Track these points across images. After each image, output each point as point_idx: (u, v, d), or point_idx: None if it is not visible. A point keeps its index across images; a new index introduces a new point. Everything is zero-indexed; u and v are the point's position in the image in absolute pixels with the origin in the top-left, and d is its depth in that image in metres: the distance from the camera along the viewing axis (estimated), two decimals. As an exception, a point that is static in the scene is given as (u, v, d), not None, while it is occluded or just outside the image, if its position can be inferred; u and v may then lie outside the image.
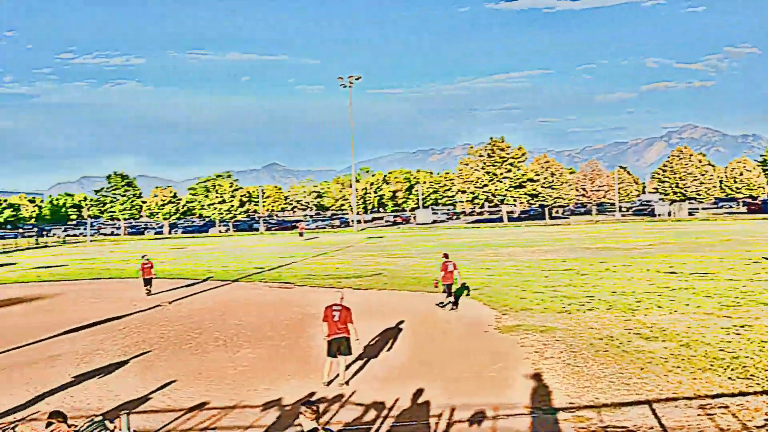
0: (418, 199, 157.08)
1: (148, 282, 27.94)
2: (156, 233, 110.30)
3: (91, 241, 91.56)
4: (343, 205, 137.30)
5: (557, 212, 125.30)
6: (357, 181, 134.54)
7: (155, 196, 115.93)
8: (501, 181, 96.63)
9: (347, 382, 13.69)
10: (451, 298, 22.08)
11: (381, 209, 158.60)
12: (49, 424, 6.01)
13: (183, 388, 13.83)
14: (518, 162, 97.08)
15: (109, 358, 16.75)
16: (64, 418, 6.21)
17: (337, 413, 11.86)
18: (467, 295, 24.70)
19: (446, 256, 22.07)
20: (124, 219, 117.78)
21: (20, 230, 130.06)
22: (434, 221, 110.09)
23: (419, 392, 12.90)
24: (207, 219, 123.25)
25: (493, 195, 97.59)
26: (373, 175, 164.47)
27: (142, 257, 29.12)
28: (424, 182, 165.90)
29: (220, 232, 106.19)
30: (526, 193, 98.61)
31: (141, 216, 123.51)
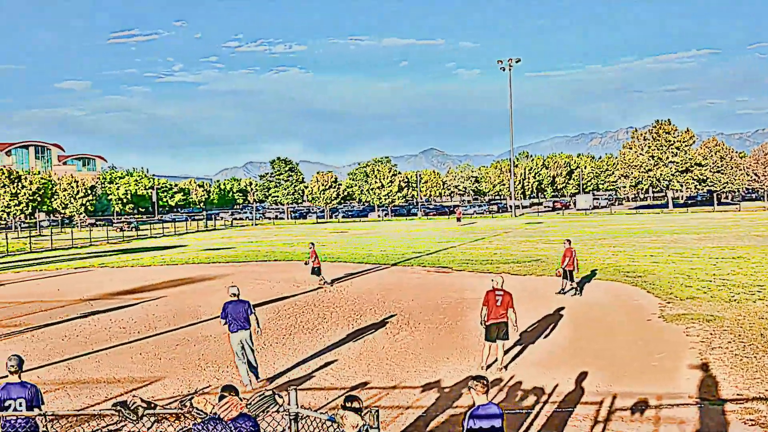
0: (578, 184, 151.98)
1: (317, 271, 25.99)
2: (318, 217, 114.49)
3: (255, 224, 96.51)
4: (500, 190, 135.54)
5: (726, 198, 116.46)
6: (515, 165, 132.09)
7: (317, 181, 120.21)
8: (666, 166, 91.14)
9: (506, 367, 13.40)
10: (574, 284, 21.83)
11: (540, 194, 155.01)
12: (221, 397, 6.00)
13: (345, 367, 13.99)
14: (685, 145, 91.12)
15: (274, 337, 17.25)
16: (236, 392, 6.19)
17: (496, 397, 11.56)
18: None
19: (569, 242, 22.59)
20: (288, 203, 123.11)
21: (190, 214, 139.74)
22: (594, 207, 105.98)
23: (579, 378, 12.40)
24: (366, 204, 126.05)
25: (658, 180, 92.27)
26: (532, 160, 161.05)
27: (310, 244, 27.67)
28: (585, 167, 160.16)
29: (378, 216, 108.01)
30: (693, 178, 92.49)
31: (303, 200, 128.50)
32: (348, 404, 5.43)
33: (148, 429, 10.00)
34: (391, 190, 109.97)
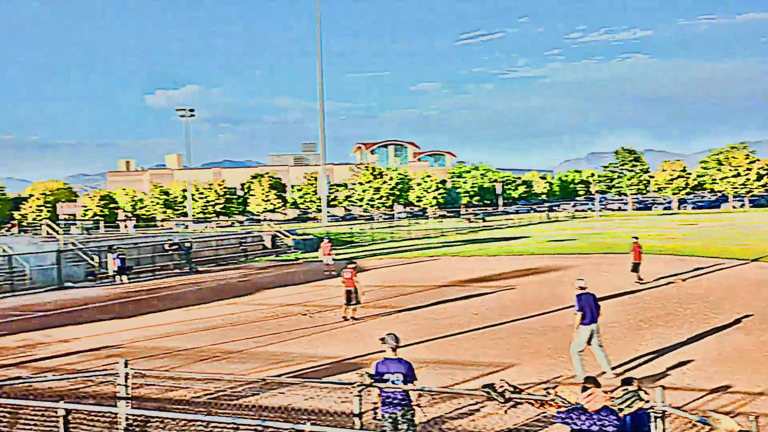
0: None
1: (635, 267, 25.24)
2: (664, 209, 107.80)
3: (599, 216, 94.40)
4: None
5: None
6: None
7: (663, 170, 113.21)
8: None
9: None
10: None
11: None
12: (585, 389, 6.31)
13: (701, 367, 13.39)
14: None
15: (621, 331, 17.01)
16: (597, 384, 6.45)
17: None
18: None
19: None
20: (632, 194, 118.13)
21: (532, 205, 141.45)
22: None
23: None
24: (719, 194, 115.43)
25: None
26: None
27: (634, 238, 26.64)
28: None
29: (733, 207, 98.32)
30: None
31: (647, 191, 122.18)
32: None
33: (506, 411, 10.79)
34: (747, 179, 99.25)
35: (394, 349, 8.98)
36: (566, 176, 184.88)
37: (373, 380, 8.24)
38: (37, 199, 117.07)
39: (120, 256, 34.08)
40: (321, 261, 34.63)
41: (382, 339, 9.13)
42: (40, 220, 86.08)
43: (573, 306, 13.32)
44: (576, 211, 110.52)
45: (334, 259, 34.27)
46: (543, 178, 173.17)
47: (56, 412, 6.58)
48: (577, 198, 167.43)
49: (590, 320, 13.00)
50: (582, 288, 13.37)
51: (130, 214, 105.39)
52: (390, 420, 8.47)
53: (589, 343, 13.06)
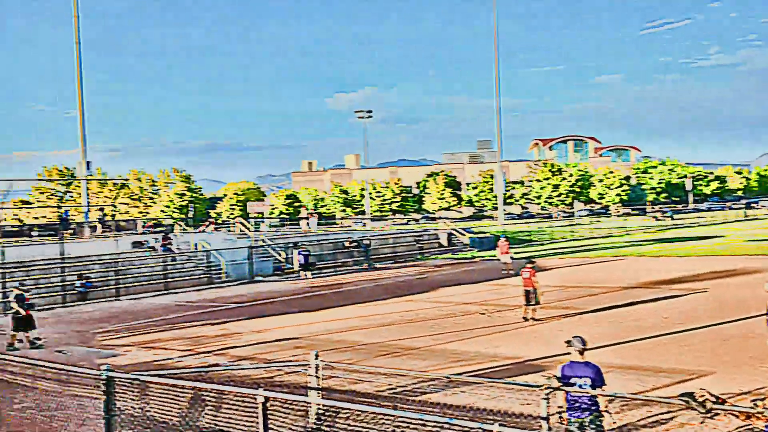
0: None
1: None
2: None
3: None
4: None
5: None
6: None
7: None
8: None
9: None
10: None
11: None
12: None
13: None
14: None
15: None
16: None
17: None
18: None
19: None
20: None
21: (727, 202, 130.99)
22: None
23: None
24: None
25: None
26: None
27: None
28: None
29: None
30: None
31: None
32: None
33: (701, 422, 9.99)
34: None
35: (581, 353, 8.68)
36: (766, 170, 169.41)
37: (560, 383, 7.97)
38: (230, 198, 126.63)
39: (303, 253, 35.76)
40: (498, 260, 34.25)
41: (568, 342, 8.84)
42: (233, 218, 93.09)
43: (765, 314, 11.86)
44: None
45: (512, 258, 33.71)
46: (738, 173, 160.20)
47: (255, 399, 6.97)
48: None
49: None
50: None
51: (312, 211, 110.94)
52: (577, 425, 8.17)
53: None
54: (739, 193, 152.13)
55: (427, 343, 17.41)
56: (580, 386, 8.33)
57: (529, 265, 20.43)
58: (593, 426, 8.15)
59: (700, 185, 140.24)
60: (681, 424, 10.08)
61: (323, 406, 7.55)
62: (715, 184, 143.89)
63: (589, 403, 8.18)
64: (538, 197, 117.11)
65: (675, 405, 6.83)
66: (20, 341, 19.39)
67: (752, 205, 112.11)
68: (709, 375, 13.15)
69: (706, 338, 16.42)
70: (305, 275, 35.01)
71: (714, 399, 6.46)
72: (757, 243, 42.29)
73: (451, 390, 11.78)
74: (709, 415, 6.56)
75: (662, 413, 10.55)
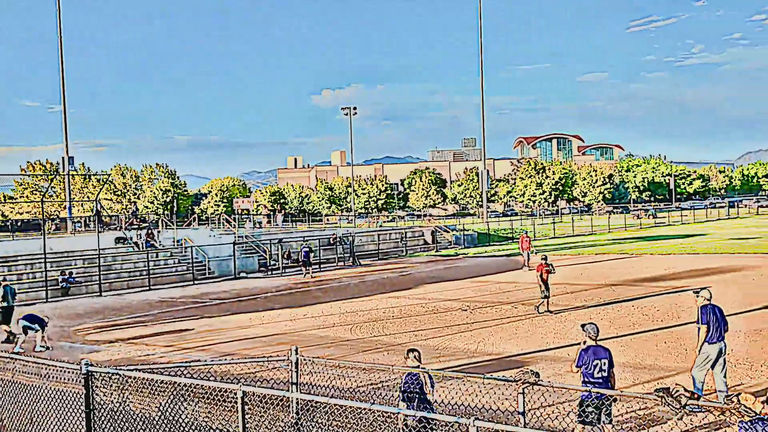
0: None
1: None
2: None
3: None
4: None
5: None
6: None
7: None
8: None
9: None
10: None
11: None
12: (772, 397, 5.77)
13: None
14: None
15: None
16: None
17: None
18: None
19: None
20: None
21: (709, 201, 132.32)
22: None
23: None
24: None
25: None
26: None
27: None
28: None
29: None
30: None
31: None
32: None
33: (679, 418, 10.15)
34: None
35: (594, 338, 9.43)
36: (748, 169, 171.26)
37: (579, 368, 9.21)
38: (215, 194, 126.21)
39: (305, 249, 35.36)
40: (520, 254, 34.69)
41: (584, 326, 9.67)
42: (218, 214, 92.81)
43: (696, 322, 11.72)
44: (760, 207, 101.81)
45: (531, 253, 33.65)
46: (722, 171, 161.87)
47: (235, 394, 7.02)
48: (762, 193, 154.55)
49: (718, 338, 11.34)
50: (707, 299, 11.68)
51: (278, 207, 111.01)
52: (593, 407, 8.73)
53: (713, 366, 11.35)
54: (722, 192, 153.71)
55: (409, 339, 17.51)
56: (601, 368, 9.13)
57: (542, 261, 20.76)
58: (607, 407, 8.79)
59: (683, 184, 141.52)
60: (657, 420, 10.24)
61: (302, 400, 7.62)
62: (698, 183, 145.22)
63: (603, 384, 9.00)
64: (522, 195, 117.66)
65: (651, 400, 6.96)
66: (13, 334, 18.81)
67: (735, 203, 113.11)
68: (686, 372, 13.32)
69: (685, 335, 16.62)
70: (307, 271, 34.75)
71: (689, 394, 6.58)
72: (739, 241, 42.78)
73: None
74: (684, 410, 6.67)
75: (639, 408, 10.73)
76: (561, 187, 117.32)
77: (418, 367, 8.84)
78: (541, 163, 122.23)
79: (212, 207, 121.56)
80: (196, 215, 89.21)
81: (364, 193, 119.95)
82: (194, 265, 36.24)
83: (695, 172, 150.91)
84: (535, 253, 33.51)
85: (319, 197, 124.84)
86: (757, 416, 5.79)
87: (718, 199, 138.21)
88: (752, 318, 17.67)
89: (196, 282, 34.31)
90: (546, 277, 20.27)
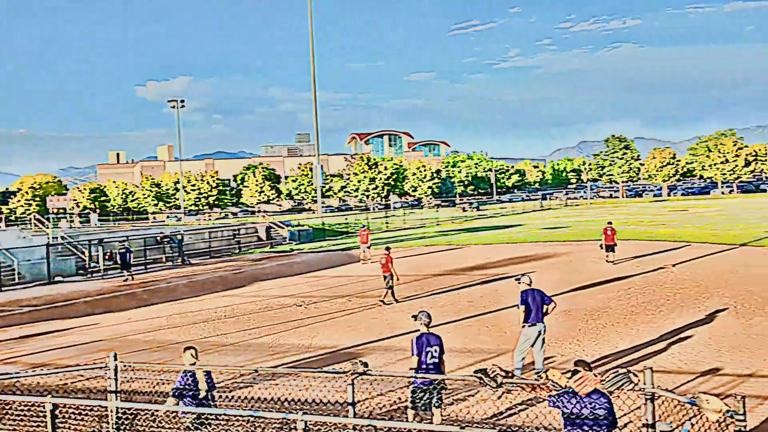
0: None
1: (610, 248, 27.07)
2: (654, 195, 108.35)
3: (590, 203, 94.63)
4: None
5: None
6: None
7: (653, 158, 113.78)
8: None
9: None
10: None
11: None
12: (575, 372, 6.26)
13: (693, 351, 13.43)
14: None
15: (614, 316, 17.02)
16: (589, 367, 6.41)
17: None
18: None
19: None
20: (623, 182, 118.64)
21: (526, 194, 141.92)
22: None
23: None
24: (708, 180, 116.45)
25: None
26: None
27: (608, 223, 28.06)
28: None
29: (722, 193, 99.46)
30: None
31: (639, 178, 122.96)
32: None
33: (498, 397, 10.76)
34: (736, 165, 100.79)
35: (427, 325, 9.71)
36: (558, 165, 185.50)
37: (416, 353, 9.35)
38: (26, 193, 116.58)
39: (121, 251, 32.53)
40: (358, 248, 35.08)
41: (415, 316, 9.95)
42: (29, 214, 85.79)
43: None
44: (568, 198, 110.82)
45: (368, 248, 34.11)
46: (536, 167, 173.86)
47: (43, 407, 6.47)
48: (570, 186, 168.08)
49: (536, 320, 12.07)
50: (528, 284, 12.39)
51: (94, 206, 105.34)
52: (424, 392, 9.05)
53: (533, 345, 12.13)
54: (536, 185, 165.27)
55: (242, 337, 17.16)
56: (433, 355, 9.38)
57: (385, 252, 21.03)
58: (438, 393, 9.13)
59: (503, 178, 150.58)
60: (479, 400, 10.78)
61: (122, 409, 7.19)
62: (515, 177, 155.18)
63: (435, 370, 9.33)
64: (356, 190, 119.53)
65: (470, 381, 7.28)
66: None
67: (547, 196, 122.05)
68: (507, 353, 14.15)
69: (503, 320, 17.66)
70: (128, 274, 32.44)
71: (504, 374, 6.94)
72: (550, 231, 46.19)
73: (263, 384, 11.70)
74: (500, 389, 7.03)
75: (464, 391, 11.24)
76: (393, 182, 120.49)
77: (194, 364, 8.55)
78: (374, 159, 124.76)
79: (23, 206, 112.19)
80: (3, 215, 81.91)
81: (194, 190, 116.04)
82: (1, 269, 33.17)
83: (513, 167, 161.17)
84: (369, 247, 34.21)
85: (144, 194, 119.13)
86: (564, 390, 6.26)
87: (533, 192, 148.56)
88: (561, 300, 19.14)
89: (3, 288, 31.43)
90: (390, 271, 20.69)
